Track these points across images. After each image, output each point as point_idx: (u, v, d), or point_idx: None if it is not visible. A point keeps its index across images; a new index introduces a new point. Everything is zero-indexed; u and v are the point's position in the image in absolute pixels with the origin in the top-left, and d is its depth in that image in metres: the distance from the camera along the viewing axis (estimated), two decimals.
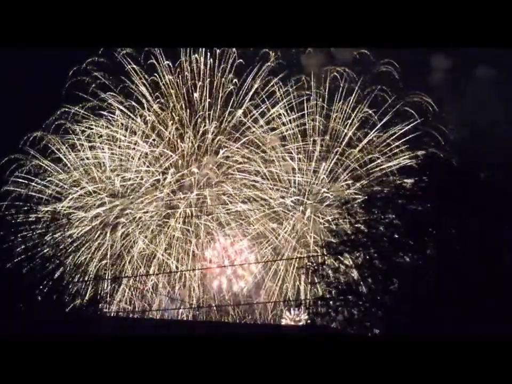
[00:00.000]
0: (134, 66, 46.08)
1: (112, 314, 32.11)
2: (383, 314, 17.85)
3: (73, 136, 45.05)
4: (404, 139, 43.45)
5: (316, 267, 20.07)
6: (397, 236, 18.12)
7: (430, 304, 15.36)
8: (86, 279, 28.08)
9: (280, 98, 44.78)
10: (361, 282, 18.62)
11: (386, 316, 17.63)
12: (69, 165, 45.04)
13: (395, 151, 43.36)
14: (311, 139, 44.39)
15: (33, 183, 43.88)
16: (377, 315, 18.04)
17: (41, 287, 20.04)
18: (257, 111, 44.89)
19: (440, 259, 16.62)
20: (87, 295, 23.39)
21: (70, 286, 21.58)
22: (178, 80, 46.00)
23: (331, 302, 18.46)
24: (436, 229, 17.56)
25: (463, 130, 45.68)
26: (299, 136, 44.41)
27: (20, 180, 43.75)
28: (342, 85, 44.62)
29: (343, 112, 44.44)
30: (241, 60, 45.65)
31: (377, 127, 43.99)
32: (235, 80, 45.49)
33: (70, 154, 45.00)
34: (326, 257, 20.50)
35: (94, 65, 45.20)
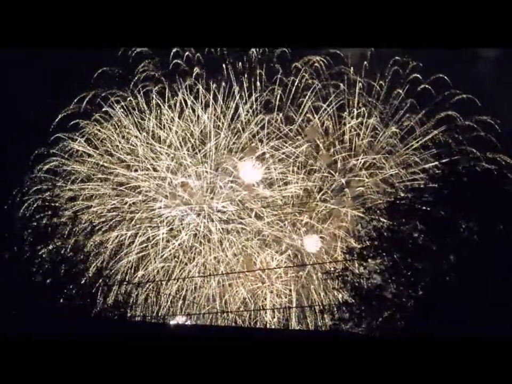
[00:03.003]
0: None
1: (137, 319, 32.24)
2: (407, 320, 17.71)
3: (106, 137, 44.62)
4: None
5: (339, 272, 20.01)
6: (420, 241, 18.03)
7: (453, 308, 15.25)
8: (112, 283, 28.19)
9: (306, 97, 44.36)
10: (385, 288, 18.51)
11: (410, 321, 17.50)
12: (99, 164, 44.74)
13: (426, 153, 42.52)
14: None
15: (57, 187, 43.29)
16: (401, 320, 17.92)
17: (65, 291, 20.27)
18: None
19: (464, 266, 16.46)
20: (111, 299, 23.60)
21: (93, 290, 21.77)
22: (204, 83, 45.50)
23: (354, 308, 18.40)
24: (459, 235, 17.41)
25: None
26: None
27: (43, 184, 43.18)
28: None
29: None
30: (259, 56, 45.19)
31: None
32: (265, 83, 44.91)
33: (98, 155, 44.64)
34: (349, 263, 20.44)
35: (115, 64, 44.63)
